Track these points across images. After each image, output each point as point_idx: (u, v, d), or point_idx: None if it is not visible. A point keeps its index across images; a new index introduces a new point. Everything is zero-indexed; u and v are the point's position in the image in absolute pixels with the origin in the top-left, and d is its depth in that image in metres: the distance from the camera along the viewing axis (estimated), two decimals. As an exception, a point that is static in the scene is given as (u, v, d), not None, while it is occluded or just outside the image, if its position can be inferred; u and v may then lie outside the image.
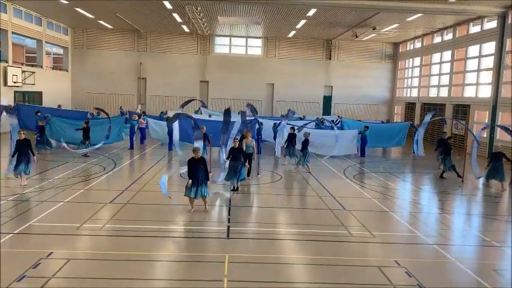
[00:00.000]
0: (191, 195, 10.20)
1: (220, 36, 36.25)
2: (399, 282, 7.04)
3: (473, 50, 25.87)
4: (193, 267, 7.37)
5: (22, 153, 12.25)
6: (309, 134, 17.26)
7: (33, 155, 12.63)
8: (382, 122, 30.16)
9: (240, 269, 7.34)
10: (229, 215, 10.53)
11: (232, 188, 12.83)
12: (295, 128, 19.05)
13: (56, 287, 6.49)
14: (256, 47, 36.69)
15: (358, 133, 21.27)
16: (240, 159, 12.67)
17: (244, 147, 13.88)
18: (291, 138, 18.27)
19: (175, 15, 27.38)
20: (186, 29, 32.21)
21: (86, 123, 18.75)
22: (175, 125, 20.30)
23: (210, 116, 26.65)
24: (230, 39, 36.45)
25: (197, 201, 10.54)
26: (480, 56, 24.95)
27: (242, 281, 6.89)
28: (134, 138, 21.55)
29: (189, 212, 10.38)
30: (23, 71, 27.40)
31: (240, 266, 7.47)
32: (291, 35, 33.83)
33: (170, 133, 21.02)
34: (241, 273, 7.18)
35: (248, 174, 14.19)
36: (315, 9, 24.15)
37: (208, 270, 7.23)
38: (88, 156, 18.05)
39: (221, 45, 36.67)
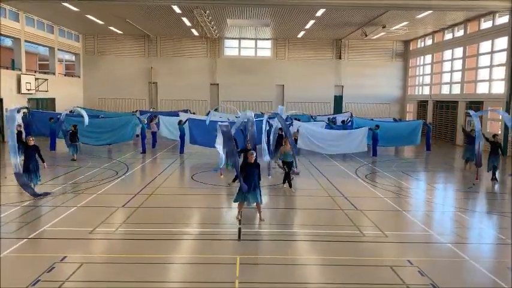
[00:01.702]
0: (243, 201, 9.88)
1: (229, 38, 36.38)
2: (412, 281, 6.97)
3: (485, 46, 25.56)
4: (205, 269, 7.39)
5: (30, 160, 12.09)
6: (298, 132, 17.00)
7: (43, 161, 12.50)
8: (395, 120, 29.86)
9: (251, 270, 7.35)
10: (240, 216, 10.52)
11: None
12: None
13: (70, 291, 6.57)
14: (265, 48, 36.74)
15: (369, 129, 21.10)
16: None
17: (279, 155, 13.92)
18: (279, 139, 17.00)
19: (185, 19, 27.55)
20: (196, 33, 32.38)
21: (74, 126, 19.11)
22: (187, 129, 20.55)
23: (220, 117, 26.77)
24: (239, 42, 36.56)
25: (207, 201, 10.54)
26: (492, 52, 24.63)
27: (253, 282, 6.89)
28: (146, 142, 21.69)
29: (237, 219, 10.07)
30: (36, 79, 27.81)
31: (251, 267, 7.48)
32: (300, 35, 33.81)
33: (182, 137, 21.23)
34: (252, 275, 7.19)
35: (290, 185, 13.48)
36: (324, 10, 24.08)
37: (219, 272, 7.25)
38: (75, 160, 18.32)
39: (230, 48, 36.81)
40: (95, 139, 20.86)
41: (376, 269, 7.47)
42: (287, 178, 13.62)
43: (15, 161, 11.50)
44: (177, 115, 25.30)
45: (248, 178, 9.77)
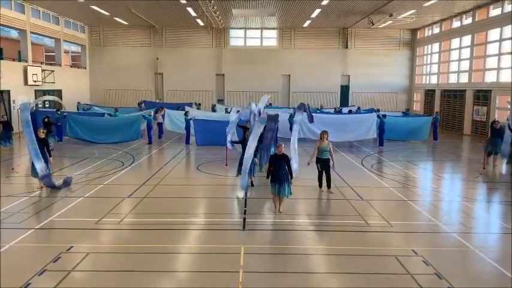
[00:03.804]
0: (277, 194, 9.78)
1: (234, 28, 36.20)
2: (416, 271, 6.95)
3: (494, 34, 25.22)
4: (210, 259, 7.42)
5: (42, 153, 11.78)
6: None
7: (50, 156, 12.23)
8: (403, 113, 29.39)
9: (256, 260, 7.37)
10: (245, 206, 10.56)
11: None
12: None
13: (76, 280, 6.64)
14: (271, 38, 36.53)
15: (377, 116, 21.11)
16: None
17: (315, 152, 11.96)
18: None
19: (190, 9, 27.42)
20: (201, 23, 32.25)
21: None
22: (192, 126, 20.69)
23: (226, 109, 26.82)
24: (245, 32, 36.37)
25: (212, 191, 10.55)
26: (501, 40, 24.30)
27: (258, 271, 6.92)
28: (152, 133, 21.76)
29: (275, 212, 9.96)
30: (43, 70, 27.91)
31: (255, 257, 7.51)
32: (306, 24, 33.53)
33: (188, 128, 21.30)
34: (256, 264, 7.21)
35: (328, 186, 12.00)
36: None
37: (224, 262, 7.28)
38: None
39: (236, 38, 36.65)
40: (101, 138, 20.80)
41: (381, 259, 7.46)
42: (325, 178, 12.03)
43: (41, 165, 11.57)
44: (182, 108, 25.35)
45: (276, 170, 9.73)
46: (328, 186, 11.97)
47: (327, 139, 11.78)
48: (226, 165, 15.40)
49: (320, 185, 12.17)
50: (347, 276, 6.82)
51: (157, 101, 34.73)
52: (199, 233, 8.78)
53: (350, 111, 27.78)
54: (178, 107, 28.13)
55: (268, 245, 8.21)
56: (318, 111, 27.14)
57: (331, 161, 11.79)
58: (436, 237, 8.71)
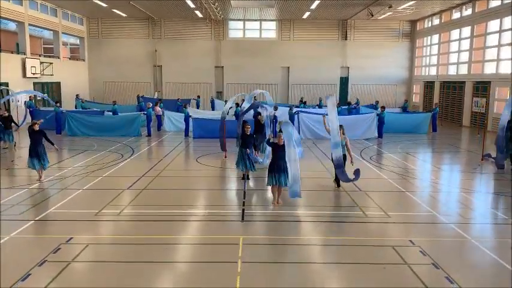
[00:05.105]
0: (273, 184, 9.80)
1: (233, 20, 36.02)
2: (413, 261, 7.00)
3: (493, 25, 25.13)
4: (208, 250, 7.47)
5: (37, 144, 11.84)
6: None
7: (53, 144, 12.25)
8: (402, 108, 29.23)
9: (254, 251, 7.42)
10: (244, 198, 10.60)
11: (242, 176, 12.45)
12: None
13: (76, 271, 6.68)
14: (270, 30, 36.38)
15: (376, 115, 21.18)
16: (250, 146, 12.12)
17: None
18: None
19: (188, 1, 27.28)
20: (200, 15, 32.10)
21: (7, 110, 19.07)
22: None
23: (225, 101, 26.80)
24: (244, 23, 36.20)
25: (211, 183, 10.56)
26: (501, 31, 24.21)
27: (256, 262, 6.96)
28: (151, 125, 21.76)
29: (273, 205, 9.97)
30: (41, 62, 27.83)
31: (254, 247, 7.55)
32: (305, 16, 33.39)
33: (186, 119, 21.31)
34: (255, 255, 7.25)
35: (338, 184, 11.59)
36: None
37: (222, 252, 7.32)
38: (6, 148, 17.00)
39: (235, 30, 36.48)
40: (102, 134, 20.84)
41: (378, 249, 7.50)
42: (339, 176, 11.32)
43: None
44: (181, 103, 25.42)
45: (276, 160, 9.77)
46: (338, 184, 11.61)
47: (343, 133, 11.12)
48: (225, 157, 15.43)
49: (338, 183, 11.57)
50: (345, 266, 6.87)
51: (156, 94, 34.64)
52: (198, 224, 8.83)
53: (349, 104, 27.83)
54: (178, 99, 28.13)
55: (266, 236, 8.26)
56: (316, 108, 26.91)
57: (348, 157, 11.23)
58: (434, 228, 8.75)
